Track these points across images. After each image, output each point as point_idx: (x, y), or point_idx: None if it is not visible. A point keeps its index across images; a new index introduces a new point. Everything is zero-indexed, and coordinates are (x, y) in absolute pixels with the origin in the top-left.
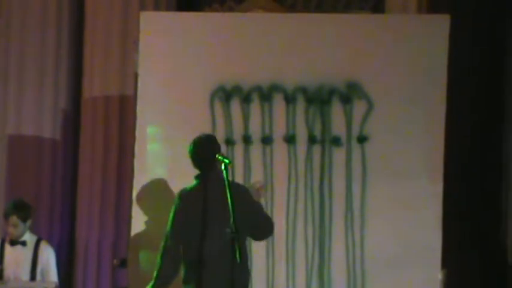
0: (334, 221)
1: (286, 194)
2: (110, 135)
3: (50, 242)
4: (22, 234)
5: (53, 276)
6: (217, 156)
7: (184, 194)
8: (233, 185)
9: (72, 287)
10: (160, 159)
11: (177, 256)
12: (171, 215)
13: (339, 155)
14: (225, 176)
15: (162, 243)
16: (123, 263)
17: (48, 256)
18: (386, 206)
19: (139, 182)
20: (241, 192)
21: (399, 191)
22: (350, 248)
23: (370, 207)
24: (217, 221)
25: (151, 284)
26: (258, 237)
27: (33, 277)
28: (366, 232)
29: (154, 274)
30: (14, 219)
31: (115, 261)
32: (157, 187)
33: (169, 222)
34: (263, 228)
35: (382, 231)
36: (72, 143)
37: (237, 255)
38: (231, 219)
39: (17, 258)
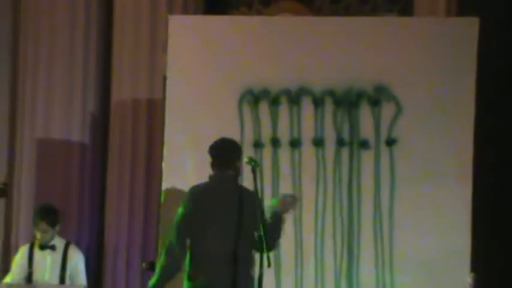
0: (363, 223)
1: (315, 196)
2: (138, 139)
3: (79, 246)
4: (51, 239)
5: (82, 280)
6: (246, 159)
7: (195, 192)
8: (247, 192)
9: None
10: (189, 162)
11: (181, 253)
12: (180, 210)
13: (367, 158)
14: (253, 178)
15: (168, 240)
16: (152, 267)
17: (77, 260)
18: (415, 208)
19: (167, 185)
20: (254, 199)
21: (428, 193)
22: (379, 250)
23: (399, 210)
24: (225, 222)
25: (154, 279)
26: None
27: (62, 281)
28: (395, 234)
29: (158, 269)
30: (43, 225)
31: (144, 264)
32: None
33: (177, 218)
34: (269, 241)
35: (411, 234)
36: (100, 146)
37: (266, 259)
38: (259, 223)
39: (46, 262)
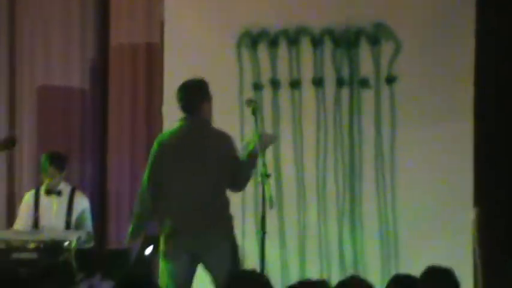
0: (364, 163)
1: (315, 137)
2: (138, 84)
3: (82, 191)
4: (58, 184)
5: (88, 225)
6: (246, 100)
7: (164, 139)
8: (218, 133)
9: (106, 236)
10: None
11: (152, 201)
12: (150, 159)
13: (367, 97)
14: (253, 120)
15: (140, 189)
16: None
17: (83, 205)
18: (416, 147)
19: (168, 129)
20: (226, 140)
21: (429, 131)
22: (381, 189)
23: (400, 148)
24: (193, 166)
25: (130, 228)
26: (233, 189)
27: (68, 226)
28: (396, 173)
29: (133, 218)
30: (51, 170)
31: None
32: None
33: (147, 167)
34: (240, 181)
35: (413, 173)
36: (100, 92)
37: (269, 199)
38: (262, 163)
39: (52, 207)
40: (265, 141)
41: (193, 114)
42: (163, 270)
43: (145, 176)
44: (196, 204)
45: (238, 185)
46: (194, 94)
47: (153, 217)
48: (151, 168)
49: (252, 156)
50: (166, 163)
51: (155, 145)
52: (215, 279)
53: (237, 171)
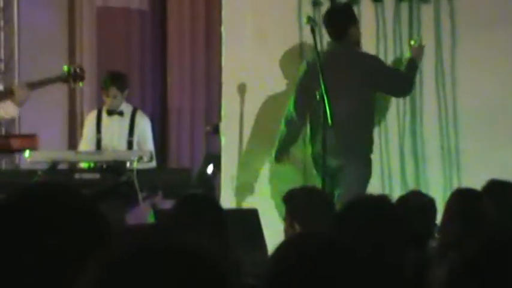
0: (424, 77)
1: (375, 51)
2: (197, 3)
3: (144, 111)
4: (120, 104)
5: (150, 145)
6: (305, 18)
7: (310, 64)
8: (364, 55)
9: (167, 155)
10: (249, 24)
11: (299, 122)
12: (297, 81)
13: (426, 10)
14: (313, 38)
15: (287, 109)
16: (216, 129)
17: (144, 125)
18: (477, 57)
19: (228, 48)
20: (373, 59)
21: (489, 40)
22: (442, 105)
23: (461, 59)
24: (341, 89)
25: (275, 149)
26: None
27: (130, 146)
28: (457, 88)
29: (278, 139)
30: (113, 90)
31: (208, 127)
32: None
33: (295, 88)
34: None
35: (473, 86)
36: (160, 12)
37: (330, 117)
38: (322, 85)
39: (114, 127)
40: (419, 50)
41: (342, 39)
42: None
43: (292, 98)
44: (347, 125)
45: (401, 89)
46: (341, 19)
47: (298, 138)
48: (299, 90)
49: (411, 62)
50: (314, 88)
51: (302, 71)
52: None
53: (395, 76)
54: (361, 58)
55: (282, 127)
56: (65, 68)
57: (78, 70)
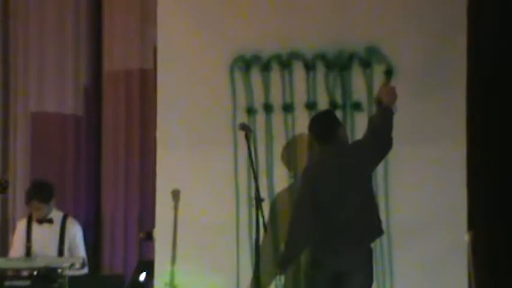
0: None
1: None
2: (132, 109)
3: (77, 218)
4: (47, 214)
5: (81, 251)
6: (239, 124)
7: (307, 176)
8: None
9: (100, 262)
10: (183, 131)
11: (310, 224)
12: (296, 198)
13: (360, 120)
14: (247, 145)
15: (293, 212)
16: (149, 236)
17: (75, 232)
18: (410, 169)
19: (162, 154)
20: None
21: (423, 153)
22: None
23: (394, 170)
24: (342, 195)
25: (281, 255)
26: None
27: (61, 253)
28: (390, 198)
29: (285, 244)
30: (35, 203)
31: (141, 234)
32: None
33: (296, 206)
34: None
35: (406, 196)
36: (95, 118)
37: (262, 223)
38: (255, 188)
39: (44, 235)
40: (390, 94)
41: (330, 141)
42: None
43: (298, 204)
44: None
45: (382, 151)
46: (329, 126)
47: (309, 244)
48: (306, 198)
49: (385, 113)
50: (315, 200)
51: (304, 180)
52: None
53: (378, 148)
54: (349, 152)
55: (293, 233)
56: None
57: (3, 182)
